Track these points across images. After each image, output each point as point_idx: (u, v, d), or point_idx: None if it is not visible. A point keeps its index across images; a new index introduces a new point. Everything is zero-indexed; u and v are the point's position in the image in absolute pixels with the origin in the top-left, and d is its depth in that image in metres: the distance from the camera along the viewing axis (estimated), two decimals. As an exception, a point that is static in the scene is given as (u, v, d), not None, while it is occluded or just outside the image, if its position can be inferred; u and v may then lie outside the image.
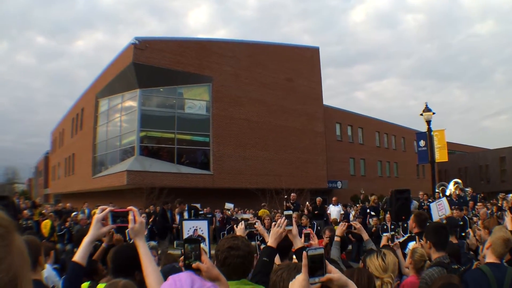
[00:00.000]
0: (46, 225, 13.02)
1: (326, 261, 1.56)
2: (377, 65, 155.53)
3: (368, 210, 16.54)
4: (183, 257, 2.09)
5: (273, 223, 3.28)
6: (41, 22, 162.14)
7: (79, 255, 2.29)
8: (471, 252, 6.03)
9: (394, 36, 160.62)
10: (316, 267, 1.52)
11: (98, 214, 2.36)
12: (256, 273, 2.91)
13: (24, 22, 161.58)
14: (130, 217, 2.34)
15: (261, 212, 18.74)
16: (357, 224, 5.17)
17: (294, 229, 3.16)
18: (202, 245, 2.11)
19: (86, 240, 2.32)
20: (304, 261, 1.52)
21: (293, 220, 3.22)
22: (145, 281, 2.19)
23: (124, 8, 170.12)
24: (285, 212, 3.32)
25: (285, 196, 16.80)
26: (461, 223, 10.36)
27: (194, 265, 2.03)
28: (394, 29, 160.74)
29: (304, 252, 1.54)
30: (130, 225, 2.32)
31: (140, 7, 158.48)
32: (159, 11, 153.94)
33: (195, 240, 2.16)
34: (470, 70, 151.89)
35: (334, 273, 1.55)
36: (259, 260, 3.07)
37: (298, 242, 3.20)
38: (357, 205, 22.80)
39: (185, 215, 12.48)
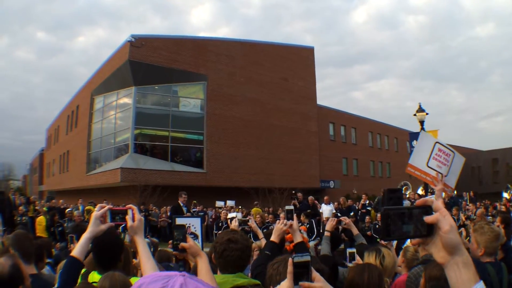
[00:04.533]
0: (41, 221, 13.12)
1: (312, 268, 1.53)
2: (376, 65, 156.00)
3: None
4: (171, 240, 2.45)
5: (277, 220, 3.45)
6: (42, 17, 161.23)
7: (77, 250, 2.28)
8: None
9: (394, 37, 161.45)
10: (302, 273, 1.49)
11: (96, 211, 2.35)
12: (257, 266, 3.01)
13: (26, 17, 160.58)
14: (129, 215, 2.35)
15: (253, 210, 18.91)
16: (346, 219, 5.12)
17: (295, 223, 3.28)
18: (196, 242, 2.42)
19: (85, 236, 2.31)
20: (290, 268, 1.49)
21: (294, 215, 3.33)
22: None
23: (126, 4, 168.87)
24: (286, 207, 3.40)
25: (293, 197, 16.60)
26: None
27: (180, 245, 2.44)
28: (395, 30, 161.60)
29: (290, 259, 1.52)
30: (129, 223, 2.33)
31: (143, 3, 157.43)
32: (162, 8, 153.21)
33: (182, 226, 2.57)
34: (468, 72, 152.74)
35: (318, 281, 1.52)
36: (261, 253, 3.25)
37: (298, 237, 3.30)
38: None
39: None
